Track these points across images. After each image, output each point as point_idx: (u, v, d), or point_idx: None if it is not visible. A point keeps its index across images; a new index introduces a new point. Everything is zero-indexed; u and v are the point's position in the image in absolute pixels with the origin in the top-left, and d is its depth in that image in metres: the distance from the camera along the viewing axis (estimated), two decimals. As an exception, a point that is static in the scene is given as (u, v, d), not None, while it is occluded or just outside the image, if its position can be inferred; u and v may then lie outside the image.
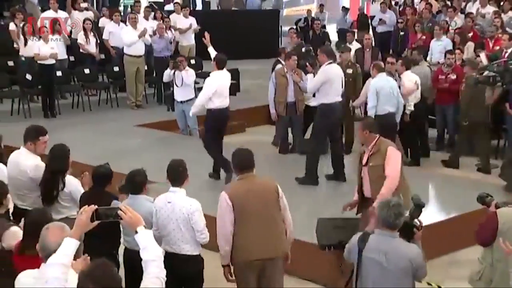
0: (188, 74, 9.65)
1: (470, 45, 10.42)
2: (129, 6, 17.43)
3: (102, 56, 12.65)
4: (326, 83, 7.62)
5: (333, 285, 5.63)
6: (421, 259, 3.99)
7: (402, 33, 13.56)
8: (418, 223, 4.18)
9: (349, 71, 9.47)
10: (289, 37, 13.76)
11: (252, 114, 11.73)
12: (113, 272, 2.88)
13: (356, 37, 13.39)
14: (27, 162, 5.31)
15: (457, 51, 10.18)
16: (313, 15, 19.09)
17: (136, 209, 4.60)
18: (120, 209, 3.30)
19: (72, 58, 12.44)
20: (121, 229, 4.90)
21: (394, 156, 5.48)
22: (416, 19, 13.72)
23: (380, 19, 15.10)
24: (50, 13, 12.35)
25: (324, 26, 18.09)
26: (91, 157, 7.65)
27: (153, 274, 3.16)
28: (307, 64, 8.68)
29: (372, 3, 17.48)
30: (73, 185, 5.19)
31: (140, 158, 8.22)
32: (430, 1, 14.76)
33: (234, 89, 14.21)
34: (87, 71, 11.97)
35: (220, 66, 7.99)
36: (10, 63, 11.88)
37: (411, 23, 13.78)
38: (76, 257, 3.33)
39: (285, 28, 19.88)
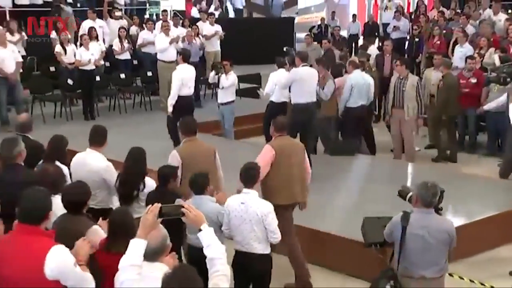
0: (227, 78, 9.60)
1: (491, 50, 10.36)
2: (155, 14, 17.47)
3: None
4: (296, 82, 7.85)
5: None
6: (455, 231, 4.29)
7: (417, 39, 13.50)
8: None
9: None
10: (304, 43, 13.88)
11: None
12: (195, 275, 2.80)
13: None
14: (99, 163, 5.27)
15: (476, 55, 10.17)
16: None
17: (200, 209, 4.61)
18: (184, 207, 3.26)
19: (107, 64, 12.43)
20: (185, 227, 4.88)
21: (262, 151, 5.57)
22: (433, 24, 13.65)
23: (394, 26, 15.09)
24: (88, 22, 12.36)
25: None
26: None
27: (220, 272, 3.10)
28: (287, 62, 9.05)
29: (384, 11, 17.44)
30: (152, 186, 5.14)
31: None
32: (442, 9, 14.72)
33: (257, 93, 14.23)
34: (122, 76, 12.00)
35: (185, 60, 8.83)
36: (52, 69, 11.85)
37: (425, 30, 13.77)
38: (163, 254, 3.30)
39: (299, 35, 19.94)
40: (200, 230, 3.23)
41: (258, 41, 17.04)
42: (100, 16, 13.03)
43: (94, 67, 11.05)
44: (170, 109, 8.57)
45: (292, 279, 5.65)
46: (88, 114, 11.00)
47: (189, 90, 8.70)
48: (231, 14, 19.70)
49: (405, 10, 19.55)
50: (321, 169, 8.41)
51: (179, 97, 8.65)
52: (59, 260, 3.18)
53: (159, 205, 3.17)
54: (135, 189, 5.11)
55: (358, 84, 8.87)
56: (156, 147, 9.25)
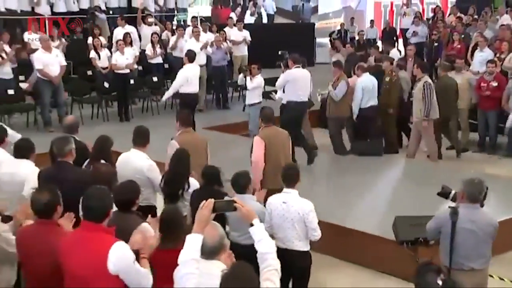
0: (252, 81, 9.60)
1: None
2: (182, 21, 17.50)
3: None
4: (289, 82, 8.22)
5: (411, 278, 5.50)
6: (498, 224, 4.39)
7: (436, 44, 13.39)
8: None
9: (387, 79, 9.40)
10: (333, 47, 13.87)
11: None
12: (252, 273, 2.77)
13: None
14: (142, 162, 5.27)
15: (496, 59, 10.05)
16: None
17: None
18: (236, 202, 3.25)
19: (140, 68, 12.50)
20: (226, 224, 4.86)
21: (254, 144, 6.02)
22: (453, 29, 13.53)
23: (414, 31, 14.97)
24: (120, 30, 12.45)
25: (353, 38, 18.09)
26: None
27: (272, 267, 3.09)
28: (281, 65, 9.41)
29: (403, 17, 17.29)
30: (195, 185, 5.12)
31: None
32: (460, 15, 14.58)
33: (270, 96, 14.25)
34: (155, 79, 12.04)
35: (190, 60, 9.13)
36: (89, 73, 11.92)
37: (443, 35, 13.66)
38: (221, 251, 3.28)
39: (318, 40, 19.88)
40: (251, 225, 3.20)
41: (281, 46, 16.97)
42: (133, 22, 13.09)
43: (128, 70, 11.10)
44: (165, 97, 9.15)
45: (321, 274, 5.59)
46: (123, 116, 11.06)
47: (193, 88, 9.11)
48: (265, 20, 19.89)
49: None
50: (348, 169, 8.40)
51: (185, 94, 9.09)
52: (120, 256, 3.20)
53: (213, 200, 3.16)
54: (180, 188, 5.10)
55: (367, 87, 8.96)
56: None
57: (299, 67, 8.25)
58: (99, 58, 11.45)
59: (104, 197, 3.37)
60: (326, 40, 20.44)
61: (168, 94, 9.05)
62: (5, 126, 5.88)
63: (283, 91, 8.63)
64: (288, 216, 4.55)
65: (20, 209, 3.87)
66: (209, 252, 3.14)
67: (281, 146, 6.04)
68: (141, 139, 5.43)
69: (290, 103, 8.27)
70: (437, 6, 17.28)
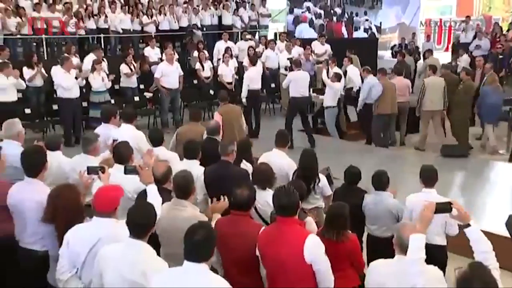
0: (329, 85, 9.51)
1: None
2: (264, 36, 17.48)
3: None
4: (291, 82, 9.06)
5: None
6: None
7: (501, 56, 12.86)
8: None
9: (460, 86, 9.26)
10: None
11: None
12: (491, 273, 2.53)
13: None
14: (282, 160, 5.23)
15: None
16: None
17: (380, 204, 4.43)
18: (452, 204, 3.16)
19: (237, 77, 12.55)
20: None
21: (214, 118, 6.79)
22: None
23: (476, 45, 14.45)
24: (222, 43, 12.53)
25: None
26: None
27: (492, 266, 2.91)
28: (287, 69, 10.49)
29: (462, 32, 16.71)
30: (324, 182, 5.06)
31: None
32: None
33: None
34: (251, 87, 12.02)
35: (253, 63, 9.89)
36: (195, 82, 12.06)
37: (507, 48, 13.10)
38: None
39: (379, 52, 19.50)
40: (467, 225, 3.09)
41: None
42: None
43: (231, 79, 11.14)
44: (244, 100, 9.54)
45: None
46: (226, 119, 11.09)
47: (256, 86, 9.71)
48: (377, 34, 20.16)
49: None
50: (449, 170, 8.01)
51: (250, 90, 9.63)
52: (315, 246, 3.17)
53: (434, 202, 3.12)
54: (310, 183, 4.99)
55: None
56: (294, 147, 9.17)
57: (300, 69, 9.15)
58: (203, 69, 11.55)
59: (292, 194, 3.31)
60: (383, 53, 20.12)
61: (244, 93, 9.61)
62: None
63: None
64: None
65: (220, 205, 3.90)
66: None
67: (235, 119, 6.86)
68: (282, 141, 5.41)
69: (294, 98, 9.09)
70: (495, 22, 16.67)
